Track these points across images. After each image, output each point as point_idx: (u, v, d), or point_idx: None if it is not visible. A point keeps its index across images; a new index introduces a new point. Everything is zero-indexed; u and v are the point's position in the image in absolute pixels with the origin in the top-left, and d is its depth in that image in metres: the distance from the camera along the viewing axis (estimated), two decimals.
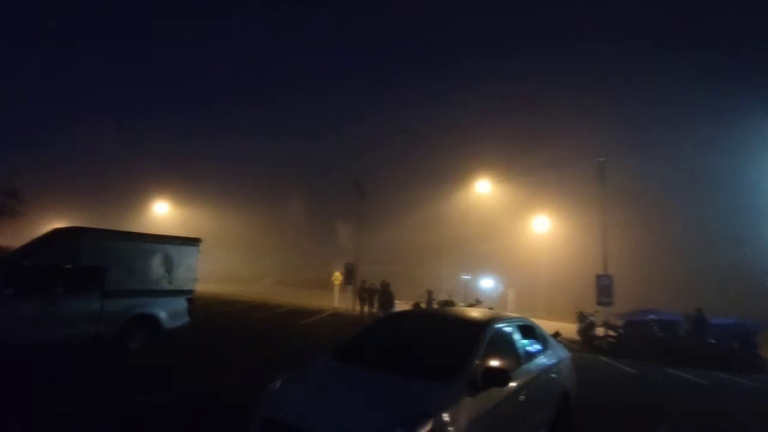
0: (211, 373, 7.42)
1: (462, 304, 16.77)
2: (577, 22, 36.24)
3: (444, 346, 4.10)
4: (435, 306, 15.94)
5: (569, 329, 16.48)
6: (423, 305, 16.13)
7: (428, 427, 3.01)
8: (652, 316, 14.81)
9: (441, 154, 33.02)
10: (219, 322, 14.04)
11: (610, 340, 15.20)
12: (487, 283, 36.66)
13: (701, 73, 28.20)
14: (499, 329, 4.50)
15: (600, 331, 15.82)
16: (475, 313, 5.13)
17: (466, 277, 35.00)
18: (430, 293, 16.90)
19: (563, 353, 5.78)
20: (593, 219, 21.84)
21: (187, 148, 38.45)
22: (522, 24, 40.78)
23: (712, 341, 13.50)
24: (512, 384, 3.89)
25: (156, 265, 9.00)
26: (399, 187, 34.30)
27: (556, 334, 11.21)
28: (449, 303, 16.13)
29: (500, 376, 3.65)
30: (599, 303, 17.52)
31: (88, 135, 39.21)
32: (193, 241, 9.88)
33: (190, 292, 9.58)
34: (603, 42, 33.11)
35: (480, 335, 4.10)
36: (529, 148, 30.85)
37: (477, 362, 3.74)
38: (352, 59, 48.03)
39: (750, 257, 19.15)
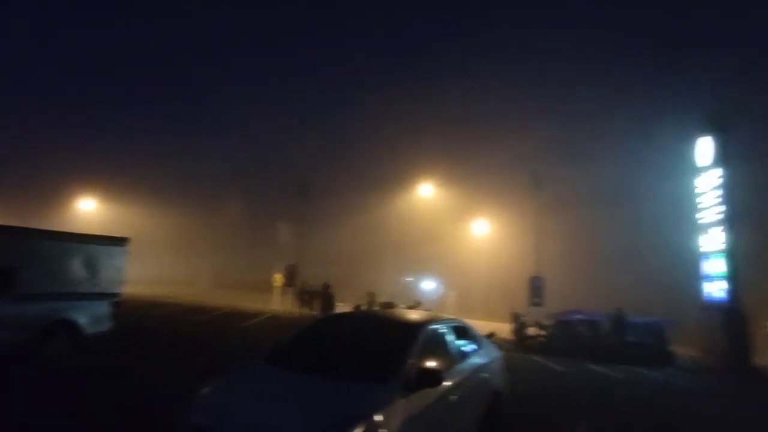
0: (137, 379, 7.02)
1: (403, 305, 16.99)
2: (515, 31, 38.01)
3: (379, 347, 4.13)
4: (376, 308, 16.04)
5: (505, 329, 17.18)
6: (364, 307, 16.17)
7: (360, 429, 3.02)
8: (578, 316, 15.75)
9: (385, 157, 33.38)
10: (150, 325, 13.31)
11: (541, 339, 16.00)
12: (428, 285, 37.40)
13: (632, 87, 30.52)
14: (434, 330, 4.61)
15: (532, 330, 16.59)
16: (411, 314, 5.20)
17: (409, 279, 35.49)
18: (371, 295, 17.00)
19: (495, 353, 5.99)
20: (530, 223, 22.94)
21: (117, 144, 36.07)
22: (464, 28, 42.11)
23: (631, 339, 14.59)
24: (445, 384, 4.00)
25: (78, 267, 8.38)
26: (343, 188, 34.21)
27: (491, 335, 11.61)
28: (390, 305, 16.29)
29: (433, 377, 3.73)
30: (531, 304, 18.41)
31: (8, 127, 35.83)
32: (120, 241, 9.30)
33: (117, 294, 9.01)
34: (541, 54, 35.01)
35: (415, 337, 4.17)
36: (471, 153, 31.83)
37: (411, 363, 3.80)
38: (293, 57, 47.27)
39: (665, 263, 20.88)
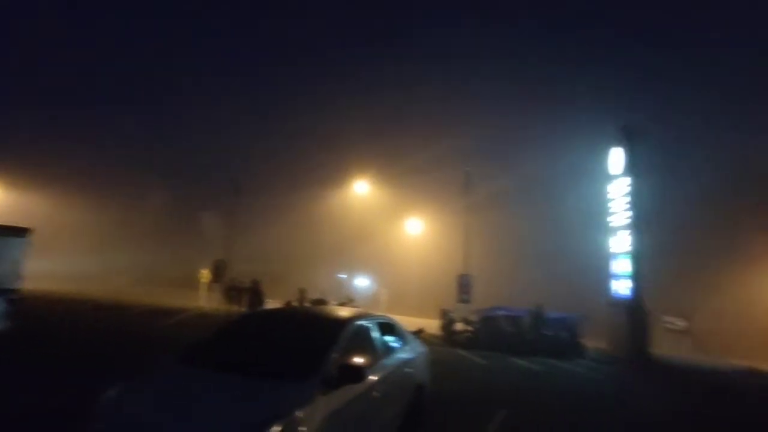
0: (40, 382, 6.40)
1: (334, 302, 16.93)
2: (446, 34, 39.40)
3: (302, 344, 4.07)
4: (307, 305, 15.84)
5: (435, 325, 17.69)
6: (295, 304, 15.94)
7: (278, 428, 2.96)
8: (502, 312, 16.57)
9: (321, 154, 33.21)
10: (56, 323, 12.20)
11: (468, 334, 16.63)
12: (361, 283, 37.56)
13: (558, 95, 32.64)
14: (360, 327, 4.63)
15: (459, 326, 17.20)
16: (337, 311, 5.18)
17: (342, 276, 35.41)
18: (302, 292, 16.74)
19: (420, 348, 6.13)
20: (460, 222, 23.72)
21: (25, 127, 32.67)
22: (397, 30, 42.82)
23: (548, 333, 15.59)
24: (370, 379, 4.03)
25: None
26: (277, 184, 33.51)
27: (420, 331, 11.85)
28: (321, 301, 16.15)
29: (356, 373, 3.74)
30: (460, 300, 19.11)
31: None
32: (18, 232, 8.40)
33: (14, 291, 8.15)
34: (472, 59, 36.51)
35: (339, 333, 4.16)
36: (406, 152, 32.44)
37: (334, 360, 3.78)
38: (223, 51, 45.51)
39: (580, 262, 22.54)
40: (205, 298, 21.49)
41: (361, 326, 4.67)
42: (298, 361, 3.71)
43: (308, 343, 4.04)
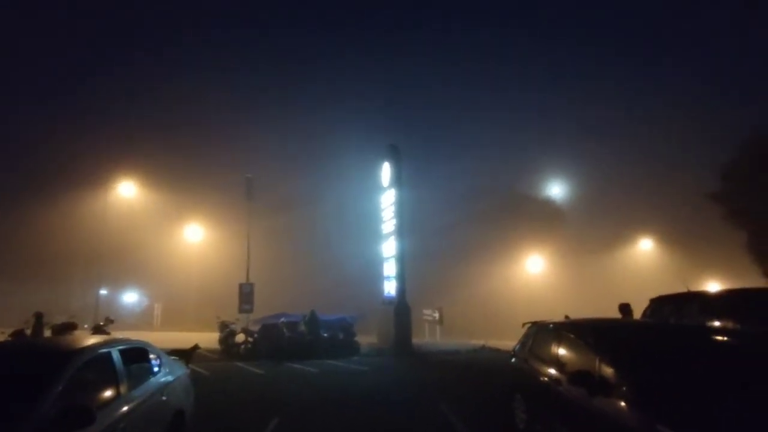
0: None
1: (88, 326, 14.38)
2: (231, 39, 38.69)
3: (7, 387, 3.35)
4: (47, 332, 13.00)
5: (214, 339, 16.74)
6: (29, 332, 12.92)
7: None
8: (282, 319, 16.77)
9: (72, 150, 28.03)
10: None
11: (248, 345, 16.26)
12: (130, 298, 33.01)
13: (340, 113, 34.99)
14: (96, 357, 4.06)
15: (240, 337, 16.67)
16: (65, 340, 4.43)
17: (104, 292, 30.39)
18: (38, 316, 13.56)
19: (179, 371, 5.74)
20: (243, 230, 23.12)
21: None
22: (179, 29, 39.92)
23: (325, 335, 16.46)
24: (110, 418, 3.62)
25: None
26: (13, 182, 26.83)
27: (196, 347, 11.04)
28: (69, 326, 13.38)
29: (83, 415, 3.25)
30: (241, 310, 18.56)
31: None
32: None
33: None
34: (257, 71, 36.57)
35: (61, 368, 3.55)
36: (184, 155, 29.95)
37: (52, 402, 3.22)
38: None
39: (360, 266, 24.61)
40: None
41: (98, 356, 4.11)
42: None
43: (16, 385, 3.35)
